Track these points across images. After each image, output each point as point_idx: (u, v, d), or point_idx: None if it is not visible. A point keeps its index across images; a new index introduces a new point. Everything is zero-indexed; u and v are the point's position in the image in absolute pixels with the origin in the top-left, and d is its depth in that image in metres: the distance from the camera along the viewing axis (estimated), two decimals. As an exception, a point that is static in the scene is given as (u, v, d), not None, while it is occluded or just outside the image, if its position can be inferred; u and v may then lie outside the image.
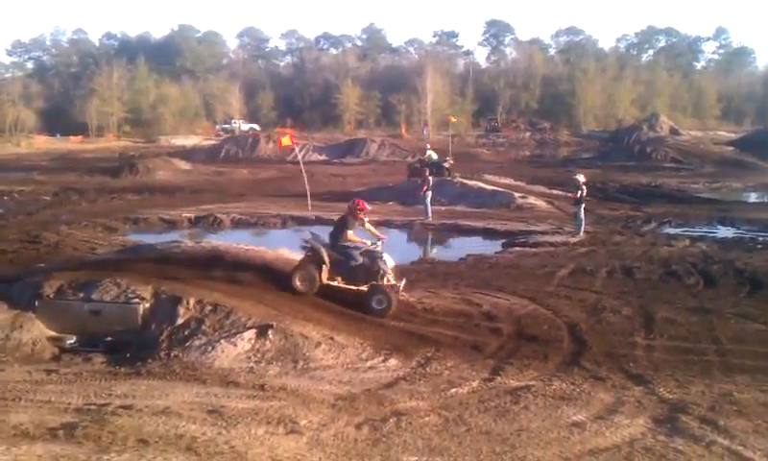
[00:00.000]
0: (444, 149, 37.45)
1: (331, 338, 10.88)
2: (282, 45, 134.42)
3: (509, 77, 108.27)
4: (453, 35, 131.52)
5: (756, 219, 25.23)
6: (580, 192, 22.07)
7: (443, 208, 27.18)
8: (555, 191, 32.23)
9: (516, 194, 30.29)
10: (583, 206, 22.21)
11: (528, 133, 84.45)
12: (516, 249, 20.45)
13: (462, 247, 21.03)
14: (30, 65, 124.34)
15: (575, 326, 12.09)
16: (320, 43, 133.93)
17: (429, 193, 25.73)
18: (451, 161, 36.86)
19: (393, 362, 10.26)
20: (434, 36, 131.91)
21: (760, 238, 21.49)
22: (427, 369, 9.96)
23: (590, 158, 54.81)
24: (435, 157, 36.50)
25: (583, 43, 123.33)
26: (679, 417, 8.00)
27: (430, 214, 25.58)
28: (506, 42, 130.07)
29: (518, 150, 66.43)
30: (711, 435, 7.44)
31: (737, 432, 7.53)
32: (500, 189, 31.39)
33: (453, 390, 9.00)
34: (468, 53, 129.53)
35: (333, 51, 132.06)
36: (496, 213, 26.89)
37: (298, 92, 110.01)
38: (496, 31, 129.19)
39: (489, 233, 23.42)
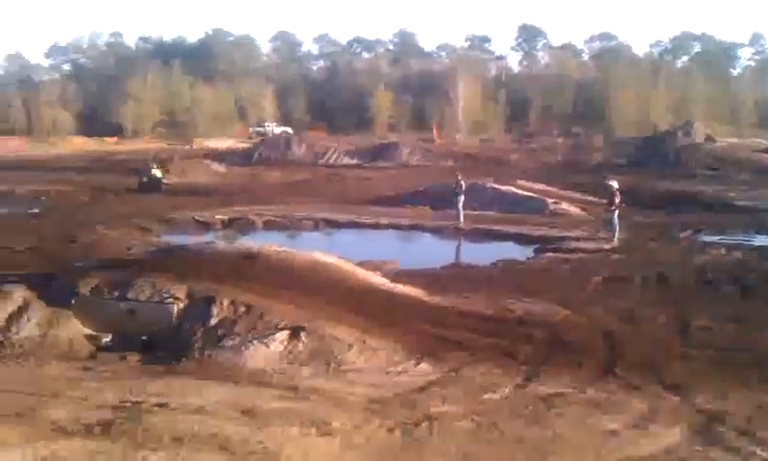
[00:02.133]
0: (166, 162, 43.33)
1: (363, 341, 10.88)
2: (315, 49, 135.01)
3: (541, 82, 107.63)
4: (486, 39, 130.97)
5: (794, 228, 24.77)
6: (615, 198, 21.89)
7: (474, 213, 27.02)
8: (588, 197, 31.89)
9: (549, 200, 30.05)
10: (617, 212, 22.00)
11: (561, 139, 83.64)
12: (549, 255, 20.28)
13: (494, 252, 20.88)
14: (67, 68, 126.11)
15: (609, 333, 11.97)
16: (352, 47, 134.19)
17: (462, 198, 25.64)
18: (174, 179, 39.96)
19: (425, 367, 10.23)
20: (466, 41, 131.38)
21: (798, 247, 21.07)
22: (459, 374, 9.92)
23: (624, 165, 54.16)
24: (159, 174, 39.32)
25: (616, 49, 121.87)
26: (715, 427, 7.88)
27: (462, 219, 25.47)
28: (538, 47, 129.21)
29: (551, 155, 65.81)
30: (750, 446, 7.32)
31: (776, 444, 7.40)
32: (533, 195, 31.16)
33: (485, 396, 8.95)
34: (500, 58, 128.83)
35: (366, 55, 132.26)
36: (529, 219, 26.70)
37: (330, 96, 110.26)
38: (529, 35, 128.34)
39: (521, 239, 23.24)
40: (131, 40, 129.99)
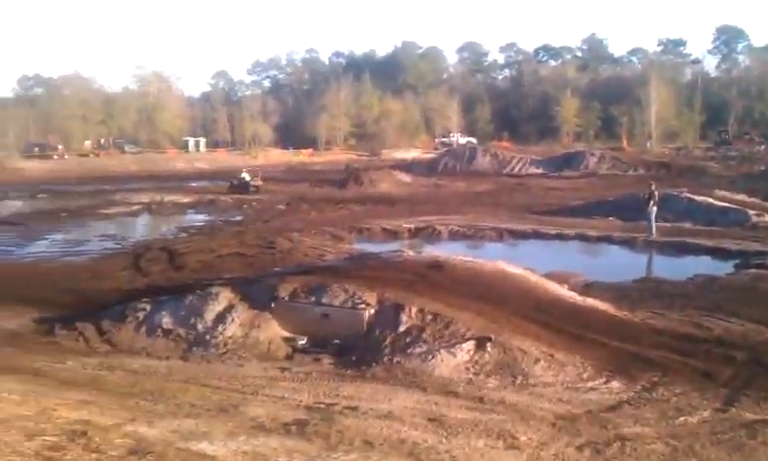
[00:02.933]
0: (256, 171, 49.33)
1: (551, 355, 10.73)
2: (501, 58, 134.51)
3: (741, 86, 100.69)
4: (680, 43, 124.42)
5: None
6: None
7: (668, 225, 25.74)
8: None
9: (751, 211, 28.04)
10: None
11: (763, 147, 77.76)
12: (752, 271, 18.92)
13: (689, 266, 19.80)
14: (267, 83, 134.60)
15: (823, 358, 10.99)
16: (539, 55, 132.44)
17: (654, 209, 24.53)
18: (260, 182, 45.11)
19: (615, 384, 9.92)
20: (659, 45, 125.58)
21: None
22: (653, 394, 9.52)
23: (837, 174, 49.37)
24: (248, 178, 44.95)
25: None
26: None
27: (654, 231, 24.37)
28: (738, 49, 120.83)
29: (752, 164, 61.26)
30: None
31: None
32: (732, 206, 29.22)
33: (682, 418, 8.53)
34: (696, 61, 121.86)
35: (552, 63, 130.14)
36: (728, 232, 25.05)
37: (515, 105, 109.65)
38: (728, 37, 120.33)
39: (719, 253, 21.85)
40: (325, 56, 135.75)
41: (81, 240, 27.12)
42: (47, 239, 27.69)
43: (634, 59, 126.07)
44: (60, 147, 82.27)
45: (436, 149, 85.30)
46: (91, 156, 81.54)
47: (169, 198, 41.66)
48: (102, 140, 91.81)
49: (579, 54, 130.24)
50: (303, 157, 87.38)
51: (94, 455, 5.44)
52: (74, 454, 5.40)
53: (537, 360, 10.52)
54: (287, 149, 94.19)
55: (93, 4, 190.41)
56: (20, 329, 13.85)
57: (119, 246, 25.43)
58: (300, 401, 8.95)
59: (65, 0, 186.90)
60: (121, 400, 8.47)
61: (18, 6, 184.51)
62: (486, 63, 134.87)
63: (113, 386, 9.50)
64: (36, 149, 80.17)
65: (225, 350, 12.26)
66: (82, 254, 23.66)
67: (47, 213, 36.34)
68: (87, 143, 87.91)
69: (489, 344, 10.85)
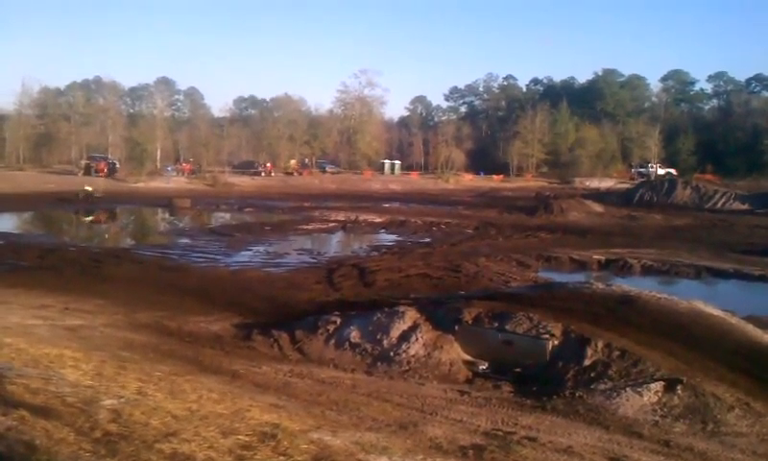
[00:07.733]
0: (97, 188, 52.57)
1: (747, 403, 10.03)
2: (709, 88, 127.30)
3: None
4: None
5: None
6: None
7: None
8: None
9: None
10: None
11: None
12: None
13: None
14: (463, 109, 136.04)
15: None
16: (751, 85, 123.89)
17: None
18: (95, 195, 49.97)
19: (820, 443, 9.11)
20: None
21: None
22: None
23: None
24: (90, 189, 49.96)
25: None
26: None
27: None
28: None
29: None
30: None
31: None
32: None
33: None
34: None
35: (766, 93, 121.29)
36: None
37: (721, 137, 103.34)
38: None
39: None
40: (523, 83, 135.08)
41: (281, 253, 28.54)
42: (251, 250, 29.42)
43: None
44: (267, 165, 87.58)
45: (632, 179, 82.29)
46: (295, 174, 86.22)
47: (363, 217, 43.16)
48: (305, 160, 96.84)
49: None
50: (494, 182, 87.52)
51: (281, 458, 5.64)
52: (263, 455, 5.64)
53: (731, 408, 9.87)
54: (478, 174, 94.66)
55: (304, 31, 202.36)
56: (222, 333, 14.86)
57: (315, 260, 26.60)
58: (478, 426, 8.96)
59: (280, 27, 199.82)
60: (308, 408, 8.85)
61: (236, 34, 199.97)
62: (692, 93, 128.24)
63: (302, 393, 9.95)
64: (250, 166, 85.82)
65: (407, 367, 12.51)
66: (281, 266, 24.95)
67: (252, 226, 38.85)
68: (292, 162, 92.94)
69: (679, 386, 10.33)
